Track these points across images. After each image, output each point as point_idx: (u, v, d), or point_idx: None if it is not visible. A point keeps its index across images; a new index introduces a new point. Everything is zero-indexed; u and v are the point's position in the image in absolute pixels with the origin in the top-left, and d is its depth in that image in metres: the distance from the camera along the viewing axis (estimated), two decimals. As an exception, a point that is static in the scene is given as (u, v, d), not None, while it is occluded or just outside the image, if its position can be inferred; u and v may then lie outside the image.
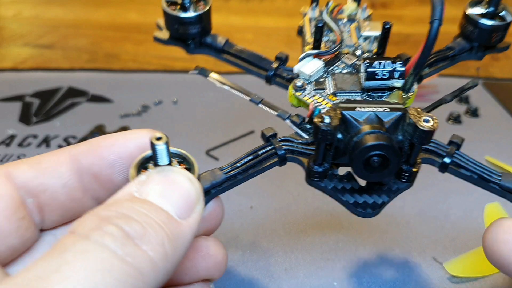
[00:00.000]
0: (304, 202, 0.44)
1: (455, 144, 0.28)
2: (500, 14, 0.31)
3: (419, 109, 0.24)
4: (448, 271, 0.36)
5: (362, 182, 0.28)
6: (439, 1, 0.25)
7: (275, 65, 0.30)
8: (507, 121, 0.58)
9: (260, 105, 0.29)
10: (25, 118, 0.61)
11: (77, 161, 0.24)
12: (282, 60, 0.31)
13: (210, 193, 0.25)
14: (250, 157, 0.27)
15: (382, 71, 0.25)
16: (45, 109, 0.63)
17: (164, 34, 0.32)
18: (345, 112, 0.24)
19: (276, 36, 0.81)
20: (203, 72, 0.31)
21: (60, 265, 0.16)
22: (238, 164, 0.26)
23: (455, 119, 0.57)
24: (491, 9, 0.31)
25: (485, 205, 0.42)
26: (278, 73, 0.30)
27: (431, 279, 0.36)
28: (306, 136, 0.28)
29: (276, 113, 0.28)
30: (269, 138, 0.27)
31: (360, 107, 0.24)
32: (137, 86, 0.68)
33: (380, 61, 0.25)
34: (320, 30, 0.28)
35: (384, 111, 0.24)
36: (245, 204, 0.44)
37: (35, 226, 0.24)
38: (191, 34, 0.31)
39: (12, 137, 0.56)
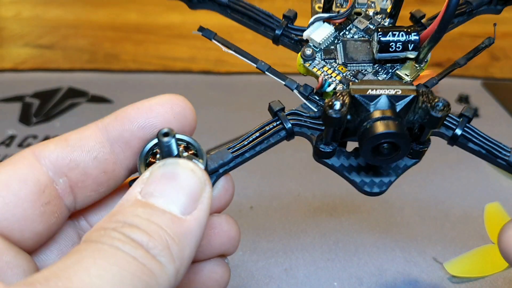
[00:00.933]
0: (304, 202, 0.44)
1: (466, 117, 0.27)
2: None
3: (431, 90, 0.23)
4: (448, 271, 0.36)
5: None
6: None
7: (283, 23, 0.29)
8: (507, 121, 0.58)
9: (267, 73, 0.28)
10: (25, 118, 0.61)
11: (106, 132, 0.24)
12: (291, 18, 0.30)
13: (218, 172, 0.25)
14: (257, 134, 0.26)
15: (396, 42, 0.25)
16: (45, 109, 0.63)
17: None
18: (356, 95, 0.23)
19: (276, 36, 0.81)
20: (208, 34, 0.30)
21: (77, 261, 0.17)
22: (245, 142, 0.26)
23: (455, 119, 0.57)
24: None
25: (485, 205, 0.42)
26: (285, 33, 0.29)
27: (431, 279, 0.36)
28: (314, 109, 0.27)
29: (283, 82, 0.27)
30: (276, 113, 0.26)
31: (372, 89, 0.23)
32: (137, 86, 0.68)
33: (394, 32, 0.25)
34: None
35: (396, 93, 0.23)
36: (245, 204, 0.44)
37: (62, 209, 0.24)
38: None
39: (12, 138, 0.56)
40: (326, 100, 0.23)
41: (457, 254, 0.37)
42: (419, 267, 0.37)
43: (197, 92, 0.62)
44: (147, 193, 0.20)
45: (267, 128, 0.26)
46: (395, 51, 0.25)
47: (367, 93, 0.23)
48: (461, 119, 0.27)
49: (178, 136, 0.23)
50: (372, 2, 0.30)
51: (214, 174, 0.25)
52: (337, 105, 0.22)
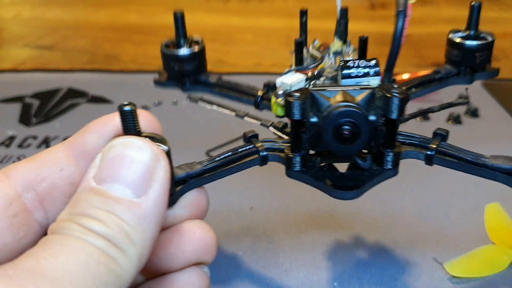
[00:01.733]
0: (305, 203, 0.44)
1: (440, 135, 0.28)
2: (481, 36, 0.33)
3: (388, 85, 0.25)
4: (449, 271, 0.36)
5: (342, 170, 0.28)
6: None
7: (261, 92, 0.33)
8: (507, 121, 0.58)
9: (245, 118, 0.31)
10: (25, 119, 0.61)
11: (71, 147, 0.25)
12: (270, 87, 0.33)
13: (187, 182, 0.26)
14: (230, 153, 0.27)
15: (357, 69, 0.26)
16: (45, 110, 0.63)
17: (163, 77, 0.35)
18: (314, 92, 0.25)
19: (276, 36, 0.81)
20: (194, 100, 0.34)
21: (44, 248, 0.18)
22: (217, 158, 0.27)
23: (455, 119, 0.57)
24: (472, 32, 0.33)
25: (485, 205, 0.42)
26: (265, 97, 0.32)
27: (432, 279, 0.36)
28: (286, 137, 0.29)
29: (259, 122, 0.30)
30: (250, 138, 0.28)
31: (330, 88, 0.25)
32: (136, 87, 0.68)
33: (355, 60, 0.26)
34: (299, 45, 0.30)
35: (354, 89, 0.25)
36: (245, 205, 0.44)
37: (31, 222, 0.24)
38: (187, 72, 0.33)
39: (12, 138, 0.56)
40: (286, 95, 0.24)
41: (457, 254, 0.37)
42: (419, 267, 0.37)
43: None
44: (100, 178, 0.21)
45: (239, 150, 0.27)
46: (356, 76, 0.26)
47: (325, 89, 0.25)
48: (435, 139, 0.28)
49: (144, 134, 0.23)
50: (339, 53, 0.32)
51: (182, 183, 0.26)
52: (296, 94, 0.24)
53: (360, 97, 0.25)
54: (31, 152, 0.53)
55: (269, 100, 0.31)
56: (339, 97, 0.24)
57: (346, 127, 0.24)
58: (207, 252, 0.26)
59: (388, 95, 0.24)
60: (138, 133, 0.22)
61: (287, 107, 0.24)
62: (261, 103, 0.32)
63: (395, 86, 0.25)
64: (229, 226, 0.41)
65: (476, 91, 0.66)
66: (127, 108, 0.21)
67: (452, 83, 0.34)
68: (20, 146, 0.54)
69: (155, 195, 0.21)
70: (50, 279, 0.17)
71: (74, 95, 0.67)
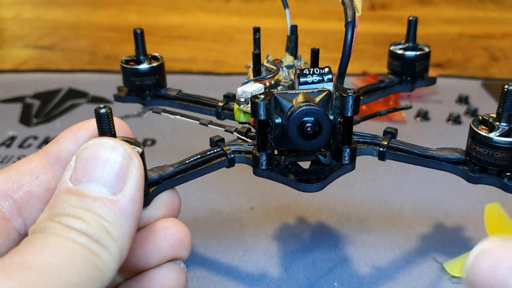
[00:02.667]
0: (305, 203, 0.44)
1: (390, 133, 0.31)
2: (419, 47, 0.37)
3: (342, 87, 0.27)
4: (448, 271, 0.36)
5: (305, 167, 0.29)
6: (350, 3, 0.27)
7: (221, 103, 0.35)
8: (507, 122, 0.58)
9: (210, 126, 0.33)
10: (25, 119, 0.61)
11: (46, 155, 0.26)
12: (230, 98, 0.35)
13: (159, 183, 0.27)
14: (199, 156, 0.29)
15: (312, 76, 0.28)
16: (45, 110, 0.64)
17: (123, 92, 0.36)
18: (277, 95, 0.27)
19: (276, 37, 0.81)
20: (157, 111, 0.36)
21: (29, 245, 0.19)
22: (187, 161, 0.29)
23: (455, 119, 0.57)
24: (410, 44, 0.37)
25: (485, 205, 0.42)
26: (226, 107, 0.34)
27: (431, 279, 0.36)
28: (250, 140, 0.31)
29: (223, 129, 0.32)
30: (217, 142, 0.30)
31: (291, 92, 0.27)
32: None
33: (310, 69, 0.28)
34: (257, 57, 0.32)
35: (312, 91, 0.27)
36: (245, 205, 0.44)
37: (10, 230, 0.25)
38: (147, 86, 0.35)
39: (12, 138, 0.56)
40: (252, 97, 0.26)
41: (457, 254, 0.38)
42: (419, 267, 0.37)
43: (197, 92, 0.62)
44: (76, 179, 0.21)
45: (207, 152, 0.29)
46: (312, 82, 0.28)
47: (287, 93, 0.27)
48: (386, 136, 0.30)
49: (119, 138, 0.24)
50: (291, 67, 0.35)
51: (155, 185, 0.27)
52: (261, 96, 0.26)
53: (318, 98, 0.27)
54: (31, 152, 0.53)
55: (230, 110, 0.34)
56: (300, 98, 0.26)
57: (309, 124, 0.26)
58: (182, 247, 0.27)
59: (344, 94, 0.26)
60: (113, 135, 0.23)
61: (253, 109, 0.26)
62: (222, 113, 0.34)
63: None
64: (229, 226, 0.41)
65: (476, 91, 0.66)
66: (102, 110, 0.22)
67: (395, 91, 0.38)
68: (20, 146, 0.55)
69: (130, 192, 0.21)
70: (37, 270, 0.18)
71: (75, 95, 0.68)
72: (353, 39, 0.27)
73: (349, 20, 0.27)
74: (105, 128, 0.23)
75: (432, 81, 0.38)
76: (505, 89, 0.26)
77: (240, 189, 0.46)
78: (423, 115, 0.59)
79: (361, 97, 0.34)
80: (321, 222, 0.42)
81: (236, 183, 0.47)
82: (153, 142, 0.55)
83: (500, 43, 0.89)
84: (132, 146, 0.23)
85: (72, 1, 1.26)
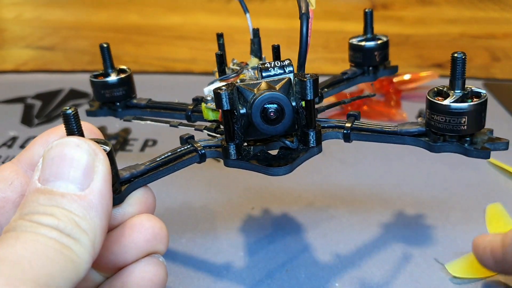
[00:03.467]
0: (306, 203, 0.44)
1: (353, 116, 0.32)
2: (377, 37, 0.38)
3: (301, 73, 0.28)
4: (450, 272, 0.36)
5: (274, 153, 0.30)
6: None
7: (191, 106, 0.36)
8: (508, 122, 0.58)
9: (180, 127, 0.34)
10: (27, 119, 0.61)
11: (19, 162, 0.27)
12: (198, 100, 0.36)
13: (132, 181, 0.28)
14: (170, 154, 0.30)
15: (274, 69, 0.29)
16: (46, 111, 0.64)
17: (94, 107, 0.38)
18: (239, 86, 0.28)
19: (277, 37, 0.81)
20: (128, 119, 0.37)
21: (1, 242, 0.19)
22: (158, 159, 0.29)
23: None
24: (369, 35, 0.38)
25: (486, 206, 0.42)
26: (195, 110, 0.36)
27: (433, 280, 0.36)
28: (219, 136, 0.32)
29: (193, 128, 0.33)
30: (187, 140, 0.31)
31: (253, 82, 0.28)
32: (138, 88, 0.67)
33: (271, 62, 0.29)
34: (220, 57, 0.33)
35: (273, 80, 0.28)
36: (246, 206, 0.44)
37: None
38: (117, 97, 0.37)
39: (14, 139, 0.56)
40: (215, 89, 0.27)
41: (458, 255, 0.37)
42: (420, 268, 0.37)
43: (197, 93, 0.62)
44: (44, 179, 0.22)
45: (178, 150, 0.30)
46: (275, 75, 0.29)
47: (250, 83, 0.28)
48: (349, 118, 0.32)
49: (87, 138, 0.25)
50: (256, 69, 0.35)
51: (127, 183, 0.27)
52: (223, 87, 0.27)
53: (279, 85, 0.28)
54: (32, 152, 0.53)
55: (199, 112, 0.35)
56: (262, 86, 0.28)
57: (271, 109, 0.27)
58: (158, 241, 0.27)
59: (303, 79, 0.27)
60: (81, 135, 0.24)
61: (217, 100, 0.27)
62: (192, 115, 0.36)
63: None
64: (230, 226, 0.42)
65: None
66: (69, 111, 0.23)
67: (358, 81, 0.39)
68: (22, 146, 0.55)
69: (97, 186, 0.22)
70: (10, 262, 0.18)
71: (76, 96, 0.68)
72: (309, 31, 0.28)
73: (303, 11, 0.28)
74: (72, 128, 0.24)
75: (394, 69, 0.39)
76: (454, 56, 0.27)
77: (241, 189, 0.46)
78: (425, 115, 0.59)
79: (326, 90, 0.37)
80: (323, 223, 0.42)
81: (237, 183, 0.47)
82: (154, 142, 0.55)
83: (501, 43, 0.89)
84: (100, 144, 0.24)
85: (73, 2, 1.26)
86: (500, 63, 0.79)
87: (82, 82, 0.71)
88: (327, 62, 0.78)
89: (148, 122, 0.36)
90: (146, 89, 0.68)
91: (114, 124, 0.58)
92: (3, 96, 0.68)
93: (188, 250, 0.39)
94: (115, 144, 0.55)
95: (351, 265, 0.37)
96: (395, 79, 0.64)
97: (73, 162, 0.22)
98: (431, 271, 0.36)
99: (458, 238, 0.39)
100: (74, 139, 0.23)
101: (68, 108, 0.23)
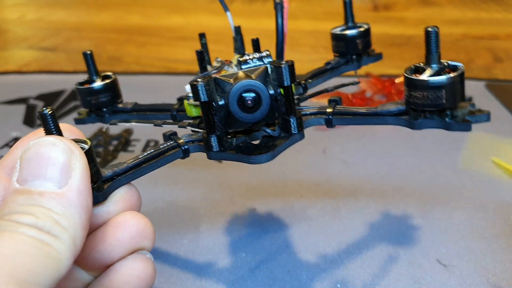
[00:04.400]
0: (307, 204, 0.44)
1: (334, 101, 0.32)
2: (358, 26, 0.38)
3: (277, 61, 0.28)
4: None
5: (257, 143, 0.30)
6: None
7: (176, 106, 0.36)
8: (510, 122, 0.58)
9: (164, 126, 0.34)
10: (29, 120, 0.61)
11: (1, 167, 0.27)
12: (183, 99, 0.36)
13: (114, 179, 0.28)
14: (152, 150, 0.30)
15: (253, 60, 0.29)
16: (48, 111, 0.64)
17: (83, 115, 0.38)
18: (216, 77, 0.28)
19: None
20: (113, 122, 0.38)
21: None
22: (140, 156, 0.29)
23: (458, 120, 0.57)
24: (349, 24, 0.38)
25: (490, 205, 0.42)
26: (180, 109, 0.36)
27: (435, 281, 0.36)
28: (201, 130, 0.32)
29: (177, 125, 0.34)
30: (170, 136, 0.31)
31: (231, 73, 0.28)
32: (140, 89, 0.68)
33: (250, 54, 0.29)
34: (200, 54, 0.33)
35: (249, 69, 0.28)
36: (248, 206, 0.44)
37: None
38: (103, 103, 0.37)
39: (16, 140, 0.56)
40: (191, 81, 0.27)
41: (461, 256, 0.37)
42: (423, 269, 0.37)
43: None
44: (22, 180, 0.22)
45: (160, 146, 0.30)
46: (254, 66, 0.29)
47: (227, 74, 0.28)
48: (330, 104, 0.32)
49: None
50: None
51: (110, 181, 0.27)
52: (199, 79, 0.27)
53: (255, 74, 0.28)
54: (35, 153, 0.53)
55: (184, 111, 0.35)
56: (239, 75, 0.28)
57: (248, 98, 0.27)
58: (144, 237, 0.27)
59: (278, 65, 0.27)
60: (59, 134, 0.24)
61: (194, 92, 0.27)
62: (177, 114, 0.36)
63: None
64: (232, 227, 0.41)
65: (479, 92, 0.66)
66: (46, 111, 0.24)
67: (343, 71, 0.39)
68: (24, 147, 0.55)
69: (76, 183, 0.22)
70: None
71: (78, 96, 0.68)
72: (285, 20, 0.28)
73: (277, 1, 0.28)
74: (50, 128, 0.24)
75: (378, 56, 0.39)
76: (428, 31, 0.27)
77: (242, 190, 0.46)
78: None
79: (310, 80, 0.37)
80: (325, 224, 0.42)
81: (238, 184, 0.47)
82: (156, 143, 0.55)
83: (504, 44, 0.89)
84: (78, 143, 0.24)
85: (76, 3, 1.27)
86: (502, 64, 0.79)
87: (84, 83, 0.71)
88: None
89: (133, 123, 0.36)
90: (148, 90, 0.68)
91: (116, 125, 0.58)
92: (5, 96, 0.68)
93: (189, 251, 0.39)
94: (117, 144, 0.55)
95: (353, 266, 0.37)
96: (396, 80, 0.64)
97: (49, 160, 0.22)
98: (433, 272, 0.36)
99: (461, 239, 0.39)
100: (50, 138, 0.23)
101: (45, 108, 0.24)
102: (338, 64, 0.38)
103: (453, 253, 0.38)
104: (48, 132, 0.24)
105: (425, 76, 0.27)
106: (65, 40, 0.95)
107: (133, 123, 0.36)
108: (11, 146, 0.55)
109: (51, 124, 0.24)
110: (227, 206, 0.44)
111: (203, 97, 0.27)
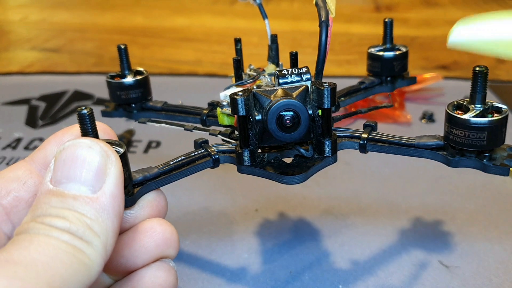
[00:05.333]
0: (310, 205, 0.44)
1: (370, 126, 0.32)
2: (396, 48, 0.38)
3: (319, 81, 0.28)
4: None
5: (288, 161, 0.30)
6: (323, 5, 0.28)
7: (206, 111, 0.36)
8: (514, 124, 0.58)
9: (194, 131, 0.34)
10: (31, 121, 0.62)
11: (32, 161, 0.27)
12: (214, 105, 0.36)
13: (144, 184, 0.27)
14: (183, 157, 0.30)
15: (291, 76, 0.28)
16: (51, 112, 0.64)
17: (110, 108, 0.38)
18: (255, 92, 0.27)
19: (281, 39, 0.81)
20: (142, 121, 0.37)
21: (14, 244, 0.19)
22: (171, 162, 0.29)
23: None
24: (388, 45, 0.38)
25: (493, 207, 0.42)
26: (210, 114, 0.36)
27: (437, 282, 0.36)
28: (233, 141, 0.31)
29: (208, 133, 0.33)
30: (201, 144, 0.31)
31: (270, 89, 0.28)
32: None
33: (288, 69, 0.29)
34: (237, 63, 0.33)
35: (290, 88, 0.28)
36: (251, 207, 0.44)
37: (0, 235, 0.25)
38: (133, 99, 0.36)
39: (18, 140, 0.57)
40: (231, 94, 0.27)
41: (463, 257, 0.37)
42: (425, 270, 0.37)
43: (202, 94, 0.62)
44: (56, 181, 0.22)
45: (192, 154, 0.30)
46: (292, 82, 0.29)
47: (266, 90, 0.28)
48: (365, 129, 0.31)
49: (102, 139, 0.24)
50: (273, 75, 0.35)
51: (140, 185, 0.27)
52: (240, 93, 0.27)
53: (296, 93, 0.27)
54: (37, 154, 0.53)
55: (214, 116, 0.35)
56: (279, 93, 0.27)
57: (287, 116, 0.27)
58: (168, 246, 0.27)
59: (320, 87, 0.27)
60: (95, 136, 0.24)
61: (233, 105, 0.27)
62: (207, 119, 0.36)
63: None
64: (234, 228, 0.41)
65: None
66: (84, 111, 0.23)
67: (376, 92, 0.39)
68: (26, 148, 0.55)
69: (110, 188, 0.22)
70: (24, 265, 0.18)
71: (80, 97, 0.68)
72: (328, 38, 0.28)
73: (322, 19, 0.28)
74: (87, 129, 0.23)
75: (412, 80, 0.39)
76: (476, 71, 0.27)
77: (245, 191, 0.46)
78: (429, 117, 0.59)
79: (342, 99, 0.36)
80: (326, 225, 0.42)
81: (242, 185, 0.47)
82: (158, 144, 0.55)
83: (507, 45, 0.88)
84: (113, 146, 0.24)
85: (79, 4, 1.27)
86: (505, 64, 0.79)
87: (87, 84, 0.71)
88: (332, 64, 0.78)
89: (163, 125, 0.36)
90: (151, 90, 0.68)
91: (118, 125, 0.58)
92: (8, 97, 0.68)
93: (192, 252, 0.39)
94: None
95: (354, 267, 0.37)
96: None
97: (85, 163, 0.22)
98: (436, 273, 0.36)
99: (463, 241, 0.39)
100: (87, 140, 0.22)
101: (83, 108, 0.23)
102: (373, 85, 0.38)
103: (455, 254, 0.38)
104: (85, 133, 0.23)
105: (468, 116, 0.27)
106: (68, 41, 0.95)
107: (163, 125, 0.36)
108: (13, 147, 0.55)
109: (89, 125, 0.23)
110: (229, 207, 0.44)
111: (242, 111, 0.27)
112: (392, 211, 0.43)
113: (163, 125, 0.36)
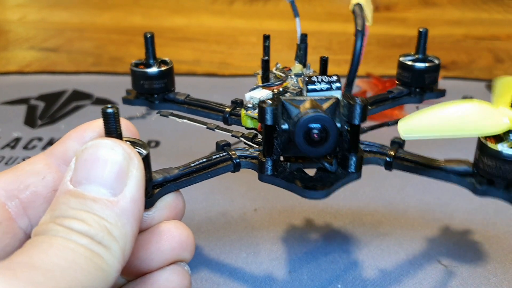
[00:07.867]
0: (308, 205, 0.44)
1: (397, 143, 0.31)
2: (429, 59, 0.37)
3: (351, 95, 0.27)
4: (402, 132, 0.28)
5: (311, 174, 0.29)
6: (360, 12, 0.27)
7: (229, 108, 0.35)
8: (512, 124, 0.58)
9: (216, 130, 0.33)
10: (30, 121, 0.61)
11: (52, 156, 0.26)
12: (237, 103, 0.35)
13: (164, 185, 0.27)
14: (204, 160, 0.29)
15: (321, 84, 0.28)
16: (50, 112, 0.64)
17: (131, 95, 0.37)
18: (284, 101, 0.27)
19: (280, 39, 0.81)
20: (164, 114, 0.36)
21: (33, 246, 0.19)
22: (192, 164, 0.29)
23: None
24: (420, 56, 0.37)
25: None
26: (233, 113, 0.34)
27: (436, 282, 0.36)
28: (256, 146, 0.31)
29: (230, 134, 0.33)
30: (223, 147, 0.30)
31: (299, 98, 0.27)
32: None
33: (318, 76, 0.28)
34: (265, 64, 0.32)
35: (320, 99, 0.27)
36: (249, 207, 0.44)
37: (16, 230, 0.25)
38: (156, 89, 0.36)
39: (17, 140, 0.57)
40: (259, 102, 0.26)
41: (462, 256, 0.37)
42: (424, 269, 0.37)
43: (201, 94, 0.62)
44: (76, 181, 0.21)
45: (213, 156, 0.29)
46: (321, 90, 0.28)
47: (295, 99, 0.27)
48: (393, 145, 0.31)
49: (125, 139, 0.24)
50: (300, 75, 0.35)
51: (160, 186, 0.27)
52: (269, 101, 0.26)
53: (326, 105, 0.27)
54: (36, 153, 0.53)
55: (237, 115, 0.34)
56: (307, 105, 0.26)
57: (316, 131, 0.26)
58: (184, 249, 0.27)
59: (352, 102, 0.26)
60: (119, 135, 0.23)
61: (260, 114, 0.26)
62: (230, 118, 0.35)
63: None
64: (233, 228, 0.41)
65: (481, 93, 0.66)
66: (109, 110, 0.22)
67: (404, 102, 0.38)
68: (25, 147, 0.55)
69: (131, 192, 0.21)
70: (43, 270, 0.18)
71: (79, 97, 0.68)
72: (363, 48, 0.27)
73: (359, 29, 0.26)
74: (111, 128, 0.22)
75: (441, 93, 0.38)
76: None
77: (244, 191, 0.46)
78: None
79: (369, 107, 0.35)
80: (325, 224, 0.42)
81: (240, 185, 0.47)
82: (157, 143, 0.55)
83: (505, 44, 0.89)
84: (136, 147, 0.23)
85: (77, 3, 1.27)
86: (503, 64, 0.79)
87: (85, 83, 0.71)
88: (330, 63, 0.78)
89: (185, 121, 0.35)
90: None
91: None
92: (6, 97, 0.68)
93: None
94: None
95: (353, 266, 0.37)
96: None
97: (106, 165, 0.21)
98: (434, 272, 0.36)
99: (461, 240, 0.39)
100: (109, 141, 0.22)
101: (109, 106, 0.22)
102: (401, 94, 0.37)
103: (454, 253, 0.38)
104: (109, 132, 0.22)
105: (500, 147, 0.26)
106: (66, 41, 0.95)
107: (185, 121, 0.35)
108: (12, 147, 0.55)
109: (113, 125, 0.22)
110: (228, 207, 0.44)
111: (270, 120, 0.26)
112: (390, 211, 0.43)
113: (185, 120, 0.35)
